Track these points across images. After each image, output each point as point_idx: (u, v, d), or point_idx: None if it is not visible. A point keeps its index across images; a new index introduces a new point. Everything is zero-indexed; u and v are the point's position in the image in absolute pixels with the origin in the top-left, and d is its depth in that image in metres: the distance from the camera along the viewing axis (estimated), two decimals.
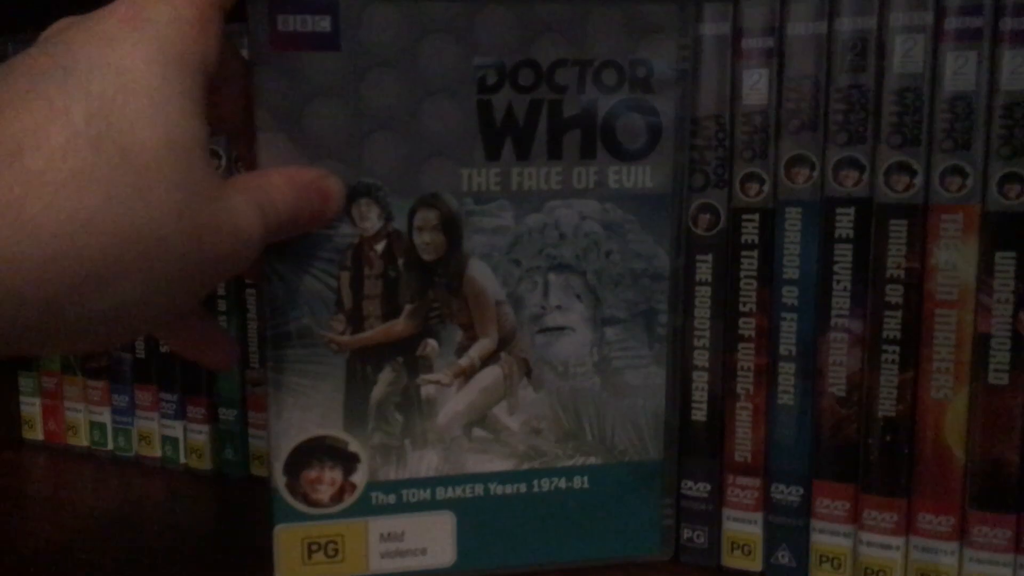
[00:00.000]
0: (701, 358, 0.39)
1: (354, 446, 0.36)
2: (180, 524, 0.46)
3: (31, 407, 0.56)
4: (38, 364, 0.56)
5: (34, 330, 0.24)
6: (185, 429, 0.52)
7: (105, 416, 0.54)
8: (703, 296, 0.38)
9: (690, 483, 0.40)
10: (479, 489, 0.38)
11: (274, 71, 0.33)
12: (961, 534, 0.35)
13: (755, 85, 0.37)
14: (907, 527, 0.36)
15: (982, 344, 0.34)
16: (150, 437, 0.53)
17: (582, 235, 0.37)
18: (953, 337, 0.35)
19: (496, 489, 0.38)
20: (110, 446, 0.54)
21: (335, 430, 0.36)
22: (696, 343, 0.39)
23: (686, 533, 0.40)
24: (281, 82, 0.33)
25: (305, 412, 0.35)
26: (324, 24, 0.33)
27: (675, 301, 0.38)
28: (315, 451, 0.36)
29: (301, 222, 0.32)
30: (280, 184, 0.30)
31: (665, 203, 0.37)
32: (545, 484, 0.38)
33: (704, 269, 0.38)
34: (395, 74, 0.34)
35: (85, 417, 0.55)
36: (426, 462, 0.37)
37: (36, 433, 0.57)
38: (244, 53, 0.34)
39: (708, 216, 0.38)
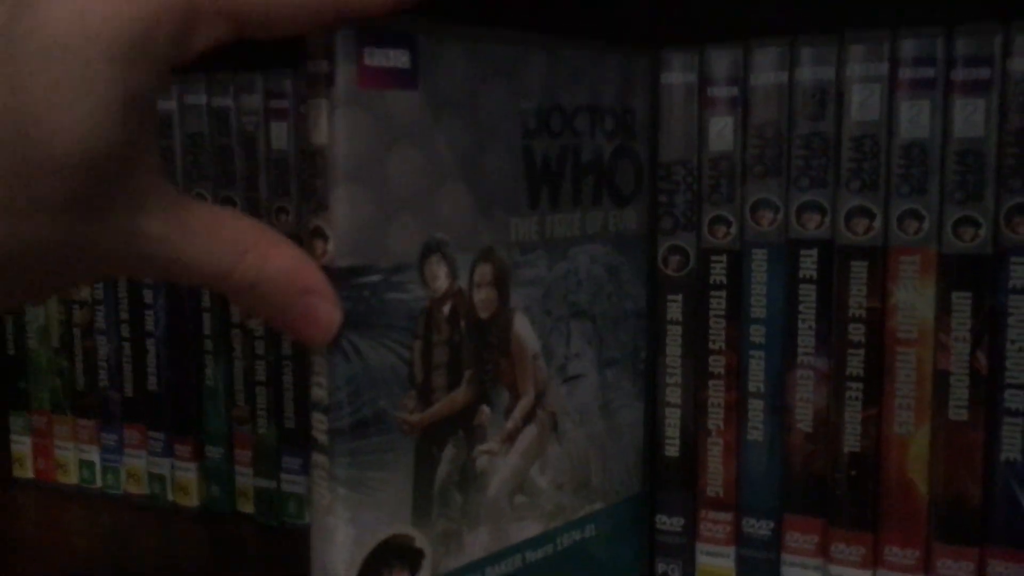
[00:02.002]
0: (673, 395, 0.40)
1: (420, 541, 0.31)
2: (168, 561, 0.46)
3: (21, 445, 0.57)
4: (28, 404, 0.56)
5: None
6: (172, 467, 0.52)
7: (94, 454, 0.55)
8: (674, 335, 0.40)
9: (664, 517, 0.40)
10: (518, 561, 0.35)
11: (361, 112, 0.28)
12: (926, 567, 0.36)
13: (721, 132, 0.38)
14: (874, 560, 0.37)
15: (942, 381, 0.35)
16: (138, 475, 0.53)
17: (592, 279, 0.36)
18: (914, 374, 0.36)
19: (530, 556, 0.35)
20: (99, 484, 0.55)
21: (403, 526, 0.31)
22: (668, 380, 0.40)
23: (661, 567, 0.41)
24: (367, 124, 0.28)
25: (378, 511, 0.30)
26: (404, 60, 0.29)
27: (650, 336, 0.39)
28: (384, 556, 0.30)
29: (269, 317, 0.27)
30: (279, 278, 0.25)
31: (643, 243, 0.39)
32: (566, 539, 0.36)
33: (675, 309, 0.39)
34: (462, 119, 0.31)
35: (75, 455, 0.55)
36: (479, 542, 0.33)
37: (26, 471, 0.57)
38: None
39: (678, 257, 0.39)
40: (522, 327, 0.34)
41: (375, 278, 0.28)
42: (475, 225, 0.32)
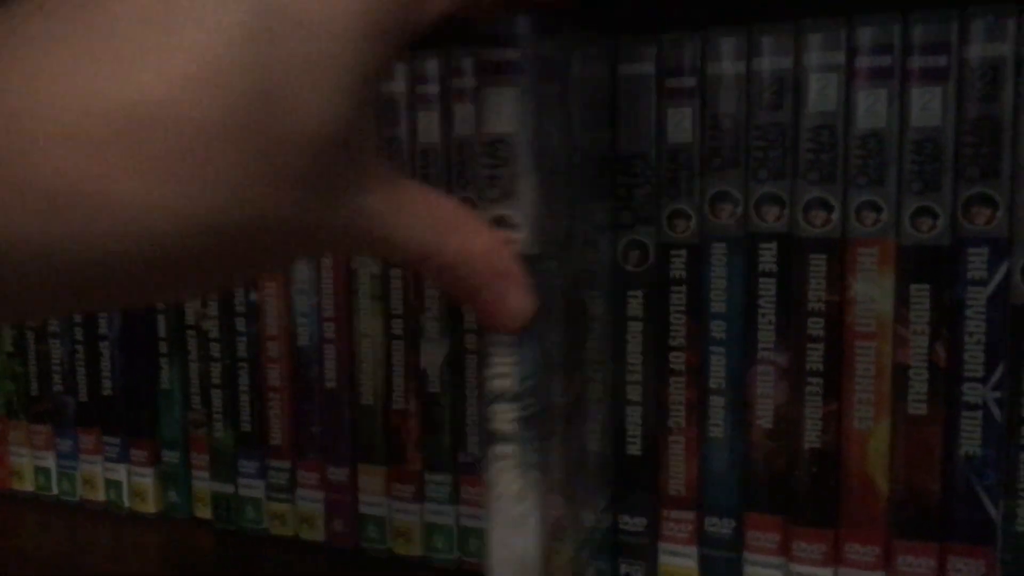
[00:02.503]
0: (635, 393, 0.39)
1: (567, 517, 0.33)
2: (125, 569, 0.45)
3: None
4: None
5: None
6: (129, 472, 0.51)
7: (49, 461, 0.54)
8: (635, 331, 0.39)
9: (627, 518, 0.40)
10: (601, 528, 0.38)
11: (538, 99, 0.28)
12: (887, 564, 0.36)
13: (680, 123, 0.38)
14: (836, 558, 0.36)
15: (901, 375, 0.35)
16: (94, 481, 0.52)
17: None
18: (873, 368, 0.35)
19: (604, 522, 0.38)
20: (55, 491, 0.54)
21: (561, 505, 0.32)
22: (629, 378, 0.39)
23: (624, 568, 0.40)
24: (541, 111, 0.28)
25: (552, 492, 0.31)
26: (553, 49, 0.29)
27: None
28: (552, 535, 0.31)
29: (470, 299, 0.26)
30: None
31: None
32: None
33: (635, 305, 0.39)
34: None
35: (30, 462, 0.54)
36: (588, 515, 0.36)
37: None
38: None
39: (637, 252, 0.38)
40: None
41: (552, 265, 0.29)
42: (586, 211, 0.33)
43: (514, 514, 0.29)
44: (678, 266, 0.38)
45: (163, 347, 0.49)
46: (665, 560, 0.39)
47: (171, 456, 0.50)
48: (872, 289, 0.35)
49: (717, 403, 0.38)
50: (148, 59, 0.18)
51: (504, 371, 0.28)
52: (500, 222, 0.28)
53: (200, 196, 0.19)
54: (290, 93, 0.19)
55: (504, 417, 0.29)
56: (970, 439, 0.34)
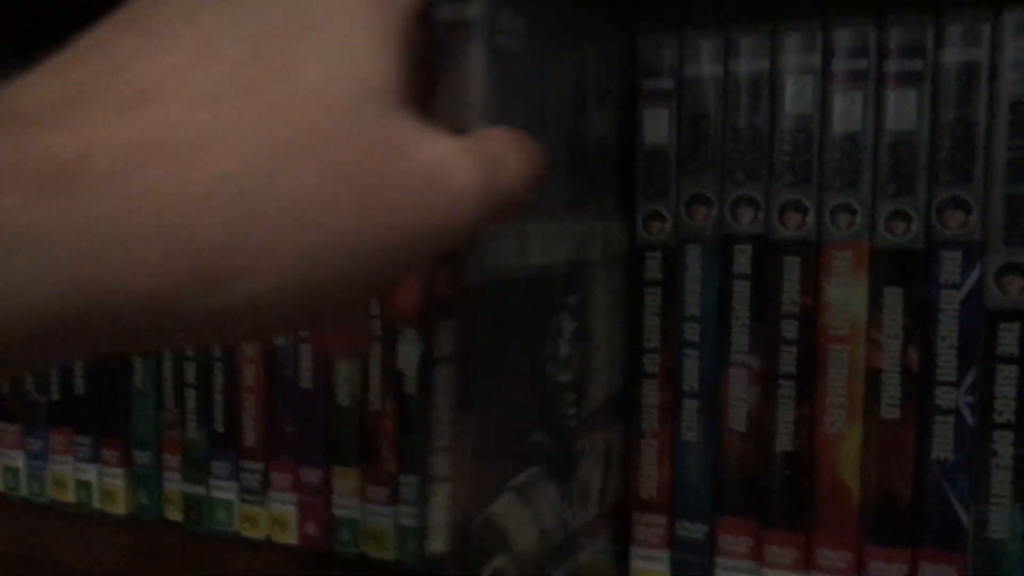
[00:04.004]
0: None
1: None
2: (93, 571, 0.45)
3: None
4: None
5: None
6: (99, 472, 0.51)
7: (19, 460, 0.53)
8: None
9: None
10: None
11: None
12: (859, 570, 0.35)
13: (656, 125, 0.37)
14: (807, 563, 0.36)
15: (874, 379, 0.35)
16: (64, 481, 0.52)
17: None
18: (846, 372, 0.35)
19: None
20: (24, 491, 0.53)
21: None
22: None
23: None
24: None
25: None
26: None
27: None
28: None
29: (524, 190, 0.24)
30: (506, 138, 0.23)
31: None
32: None
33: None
34: None
35: None
36: None
37: None
38: None
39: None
40: None
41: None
42: None
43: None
44: (652, 268, 0.38)
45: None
46: (637, 564, 0.39)
47: (143, 457, 0.49)
48: (846, 292, 0.35)
49: (691, 406, 0.38)
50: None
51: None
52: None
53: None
54: (298, 58, 0.20)
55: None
56: (942, 444, 0.34)
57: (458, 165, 0.21)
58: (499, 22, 0.27)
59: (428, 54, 0.25)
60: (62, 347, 0.18)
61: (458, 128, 0.25)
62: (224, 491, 0.47)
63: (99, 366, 0.50)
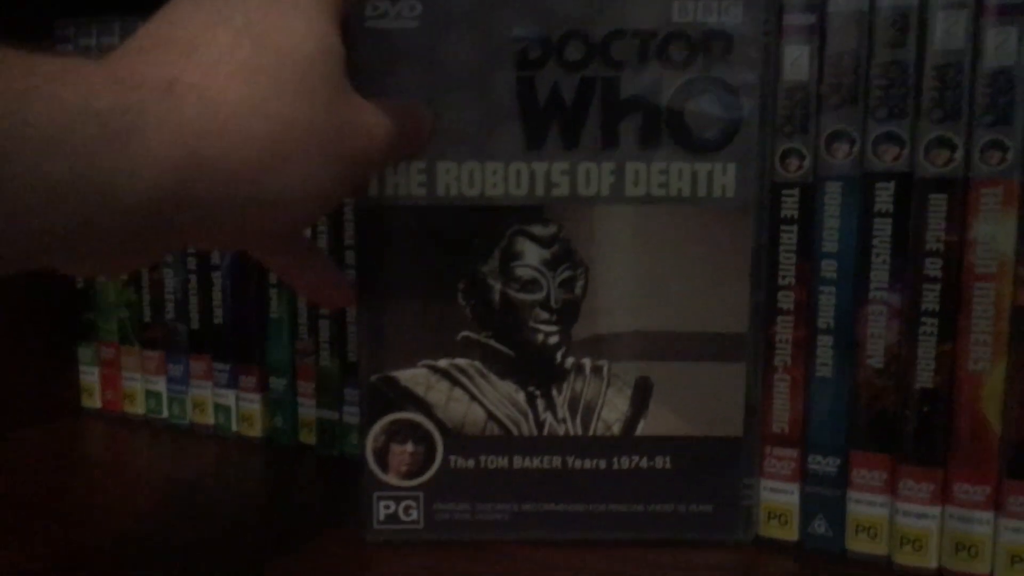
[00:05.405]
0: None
1: None
2: (230, 490, 0.48)
3: (90, 376, 0.59)
4: (96, 335, 0.58)
5: (219, 209, 0.27)
6: (237, 398, 0.53)
7: (160, 385, 0.56)
8: None
9: None
10: None
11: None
12: (996, 504, 0.36)
13: (796, 61, 0.37)
14: (943, 497, 0.37)
15: (1020, 317, 0.35)
16: (204, 405, 0.55)
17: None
18: (992, 310, 0.35)
19: None
20: (165, 414, 0.56)
21: None
22: None
23: None
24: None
25: None
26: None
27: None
28: None
29: (412, 142, 0.36)
30: (390, 104, 0.32)
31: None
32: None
33: None
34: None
35: (142, 386, 0.57)
36: None
37: (94, 401, 0.59)
38: None
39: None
40: None
41: None
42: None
43: None
44: (790, 205, 0.38)
45: (273, 277, 0.51)
46: (766, 497, 0.40)
47: (278, 383, 0.52)
48: (994, 229, 0.35)
49: (825, 342, 0.38)
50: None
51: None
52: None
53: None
54: (279, 27, 0.29)
55: None
56: None
57: (377, 119, 0.31)
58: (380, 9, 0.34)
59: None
60: (172, 222, 0.26)
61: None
62: (356, 416, 0.49)
63: (236, 298, 0.52)
